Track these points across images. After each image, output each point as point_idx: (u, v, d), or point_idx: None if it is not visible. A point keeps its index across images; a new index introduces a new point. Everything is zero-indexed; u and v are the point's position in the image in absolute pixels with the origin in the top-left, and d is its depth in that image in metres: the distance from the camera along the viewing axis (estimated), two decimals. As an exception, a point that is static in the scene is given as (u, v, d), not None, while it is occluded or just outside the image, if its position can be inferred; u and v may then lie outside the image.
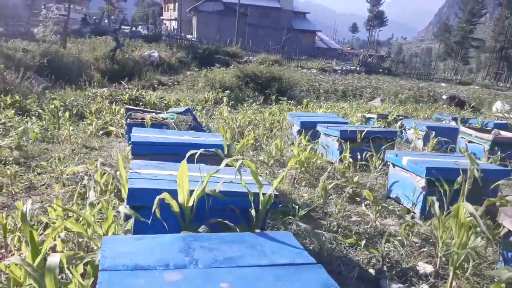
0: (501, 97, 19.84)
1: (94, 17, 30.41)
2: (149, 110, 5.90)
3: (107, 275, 1.47)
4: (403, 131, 7.98)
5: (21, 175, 4.01)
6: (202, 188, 2.22)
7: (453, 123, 9.66)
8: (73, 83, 11.04)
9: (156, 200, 2.03)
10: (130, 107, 6.26)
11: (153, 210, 2.06)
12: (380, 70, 38.16)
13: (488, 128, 7.37)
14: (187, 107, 5.36)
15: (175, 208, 2.19)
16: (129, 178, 2.47)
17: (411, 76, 38.56)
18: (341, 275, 2.63)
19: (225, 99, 10.32)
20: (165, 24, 50.65)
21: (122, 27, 33.85)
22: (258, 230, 2.19)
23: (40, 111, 7.42)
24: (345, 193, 3.77)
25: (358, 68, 35.62)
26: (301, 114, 7.69)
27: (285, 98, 12.10)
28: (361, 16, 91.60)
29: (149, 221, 2.15)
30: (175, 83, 15.98)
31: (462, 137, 6.69)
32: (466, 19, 60.88)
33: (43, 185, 3.83)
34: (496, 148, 6.05)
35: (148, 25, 41.46)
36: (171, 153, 3.48)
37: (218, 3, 46.23)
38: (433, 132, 6.55)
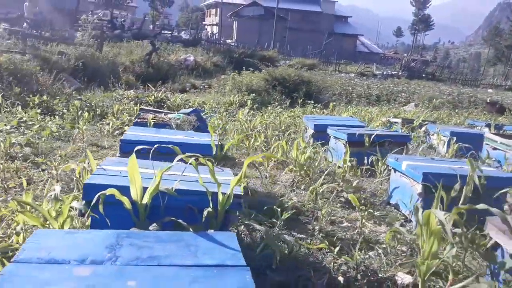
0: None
1: (123, 19, 31.28)
2: (161, 110, 5.97)
3: (14, 267, 1.46)
4: (428, 136, 7.64)
5: (24, 171, 4.15)
6: (155, 185, 2.18)
7: (485, 130, 9.17)
8: (106, 85, 11.40)
9: (96, 196, 2.01)
10: (145, 107, 6.36)
11: (100, 205, 2.05)
12: (423, 75, 36.77)
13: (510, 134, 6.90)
14: (194, 108, 5.37)
15: (127, 204, 2.16)
16: (92, 174, 2.49)
17: (456, 81, 37.05)
18: (310, 281, 2.52)
19: (249, 102, 10.31)
20: (206, 29, 51.49)
21: (164, 31, 34.90)
22: (212, 231, 2.13)
23: (65, 111, 7.69)
24: (336, 197, 3.63)
25: (400, 73, 34.64)
26: (317, 117, 7.52)
27: (312, 102, 11.94)
28: (407, 19, 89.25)
29: (102, 217, 2.14)
30: (207, 86, 16.16)
31: (487, 143, 6.31)
32: (519, 22, 57.88)
33: (42, 181, 3.94)
34: (522, 155, 5.67)
35: (190, 30, 42.37)
36: (157, 151, 3.48)
37: (259, 7, 46.53)
38: (454, 138, 6.22)
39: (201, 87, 16.18)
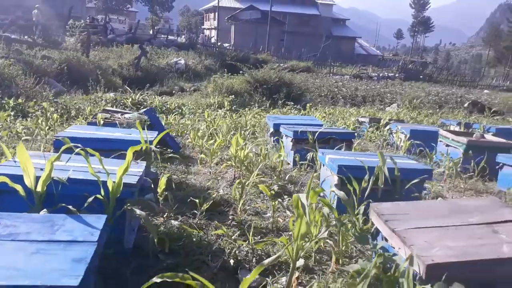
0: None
1: (110, 25, 31.29)
2: (120, 111, 6.17)
3: None
4: (391, 134, 7.80)
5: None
6: (47, 174, 2.37)
7: (456, 128, 9.33)
8: (87, 88, 11.62)
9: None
10: (108, 108, 6.57)
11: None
12: (421, 76, 36.71)
13: (472, 132, 7.04)
14: (148, 108, 5.57)
15: (21, 192, 2.35)
16: (0, 165, 2.68)
17: (454, 82, 37.15)
18: (205, 264, 2.70)
19: (226, 103, 10.51)
20: (203, 33, 51.83)
21: (160, 36, 35.26)
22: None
23: (39, 113, 7.90)
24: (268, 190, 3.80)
25: (396, 75, 34.73)
26: (279, 117, 7.71)
27: (292, 103, 12.13)
28: (408, 22, 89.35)
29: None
30: (194, 89, 16.38)
31: (441, 141, 6.47)
32: (517, 23, 57.86)
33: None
34: (470, 152, 5.81)
35: (190, 34, 42.78)
36: (91, 147, 3.69)
37: (256, 11, 46.79)
38: (408, 135, 6.39)
39: (187, 90, 16.41)
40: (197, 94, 13.87)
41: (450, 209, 2.66)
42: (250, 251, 2.82)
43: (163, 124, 6.12)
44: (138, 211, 2.35)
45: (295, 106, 12.09)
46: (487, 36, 79.14)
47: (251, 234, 2.82)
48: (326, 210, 2.65)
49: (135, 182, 2.61)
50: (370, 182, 3.36)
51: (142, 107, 10.04)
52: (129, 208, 2.42)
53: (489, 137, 6.58)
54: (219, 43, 37.72)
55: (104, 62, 16.04)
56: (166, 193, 3.37)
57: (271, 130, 6.64)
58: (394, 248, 2.38)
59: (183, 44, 31.75)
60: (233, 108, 10.80)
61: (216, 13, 50.31)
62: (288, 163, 5.43)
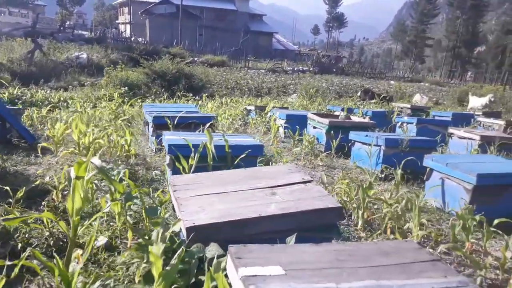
0: (425, 91, 20.36)
1: None
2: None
3: None
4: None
5: None
6: None
7: (339, 113, 9.79)
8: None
9: None
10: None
11: None
12: (334, 70, 38.27)
13: (337, 114, 7.44)
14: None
15: None
16: None
17: (364, 75, 39.28)
18: None
19: (115, 95, 10.14)
20: (116, 28, 49.84)
21: (68, 30, 33.28)
22: None
23: None
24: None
25: (311, 69, 35.92)
26: (155, 105, 7.59)
27: (191, 94, 12.03)
28: (324, 17, 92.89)
29: None
30: (92, 83, 15.62)
31: (309, 123, 6.74)
32: (418, 19, 62.56)
33: None
34: (332, 132, 6.11)
35: (101, 29, 40.75)
36: None
37: (170, 5, 45.85)
38: (284, 120, 6.62)
39: (87, 84, 15.62)
40: (90, 88, 13.21)
41: (246, 176, 2.72)
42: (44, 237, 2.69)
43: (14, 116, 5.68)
44: None
45: (194, 97, 12.01)
46: (394, 31, 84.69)
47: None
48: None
49: None
50: (196, 159, 3.36)
51: (20, 101, 9.39)
52: None
53: (355, 118, 6.98)
54: (132, 38, 36.45)
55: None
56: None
57: (145, 119, 6.49)
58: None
59: (91, 39, 30.26)
60: (124, 100, 10.44)
61: (131, 7, 48.68)
62: (152, 150, 5.33)
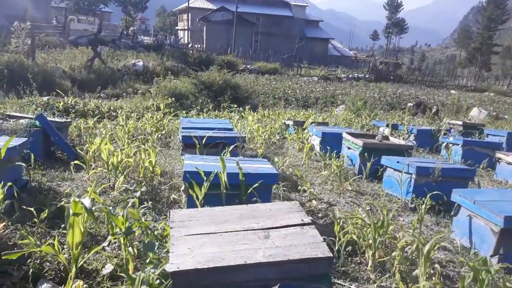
0: (486, 103, 19.19)
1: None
2: (19, 115, 6.12)
3: None
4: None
5: None
6: None
7: (381, 130, 9.50)
8: (22, 92, 11.39)
9: None
10: (12, 113, 6.48)
11: None
12: (391, 77, 37.01)
13: (375, 134, 7.19)
14: (39, 114, 5.53)
15: None
16: None
17: (424, 83, 37.66)
18: (8, 273, 2.69)
19: (161, 106, 10.48)
20: (175, 34, 51.58)
21: (128, 36, 34.95)
22: None
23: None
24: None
25: (366, 76, 35.11)
26: (192, 120, 7.72)
27: (235, 106, 12.18)
28: (384, 23, 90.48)
29: None
30: (147, 91, 16.26)
31: (344, 143, 6.58)
32: (485, 25, 59.19)
33: None
34: (366, 154, 5.93)
35: (159, 35, 42.42)
36: None
37: (227, 12, 46.73)
38: (320, 138, 6.54)
39: (139, 92, 16.29)
40: (140, 97, 13.74)
41: (243, 214, 2.71)
42: (57, 262, 2.82)
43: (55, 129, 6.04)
44: None
45: (238, 108, 12.14)
46: (458, 37, 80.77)
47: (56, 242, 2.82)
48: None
49: None
50: (205, 188, 3.40)
51: (73, 110, 9.96)
52: None
53: (392, 139, 6.73)
54: (190, 45, 37.54)
55: (52, 64, 15.77)
56: (11, 201, 3.37)
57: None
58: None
59: (150, 46, 31.50)
60: (171, 111, 10.76)
61: (189, 14, 50.19)
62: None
